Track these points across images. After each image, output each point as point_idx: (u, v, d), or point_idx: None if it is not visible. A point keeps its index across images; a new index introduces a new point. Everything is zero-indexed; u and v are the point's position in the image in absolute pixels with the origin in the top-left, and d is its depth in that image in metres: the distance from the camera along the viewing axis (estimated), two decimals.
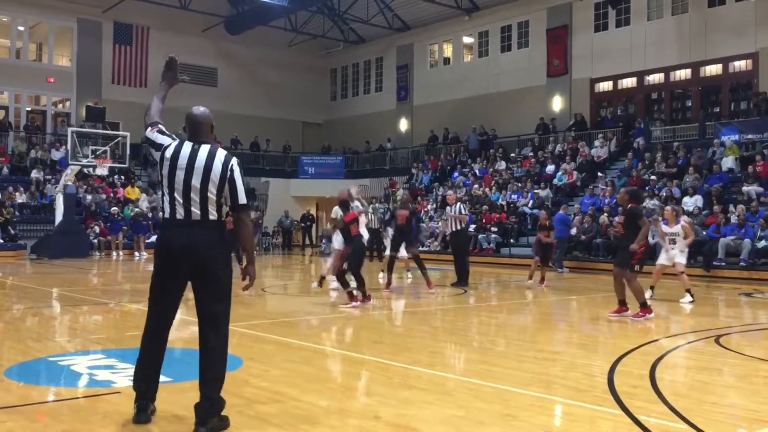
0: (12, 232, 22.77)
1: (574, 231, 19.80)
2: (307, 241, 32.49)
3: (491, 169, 26.83)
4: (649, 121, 24.75)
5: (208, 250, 4.22)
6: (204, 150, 4.28)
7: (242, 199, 4.27)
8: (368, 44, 35.60)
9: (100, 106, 29.89)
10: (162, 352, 4.45)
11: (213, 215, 4.24)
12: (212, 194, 4.21)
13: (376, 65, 36.05)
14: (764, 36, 22.28)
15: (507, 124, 28.69)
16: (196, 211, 4.21)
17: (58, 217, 22.39)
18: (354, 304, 9.99)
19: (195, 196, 4.22)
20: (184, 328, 8.47)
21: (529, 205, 22.99)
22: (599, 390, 5.30)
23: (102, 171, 23.92)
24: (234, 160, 4.31)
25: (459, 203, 14.69)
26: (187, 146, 4.30)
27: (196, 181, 4.21)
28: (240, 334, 7.76)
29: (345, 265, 10.35)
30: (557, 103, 27.72)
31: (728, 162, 20.31)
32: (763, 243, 16.35)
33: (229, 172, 4.23)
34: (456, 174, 28.10)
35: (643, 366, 6.13)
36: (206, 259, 4.22)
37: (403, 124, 34.03)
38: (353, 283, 10.31)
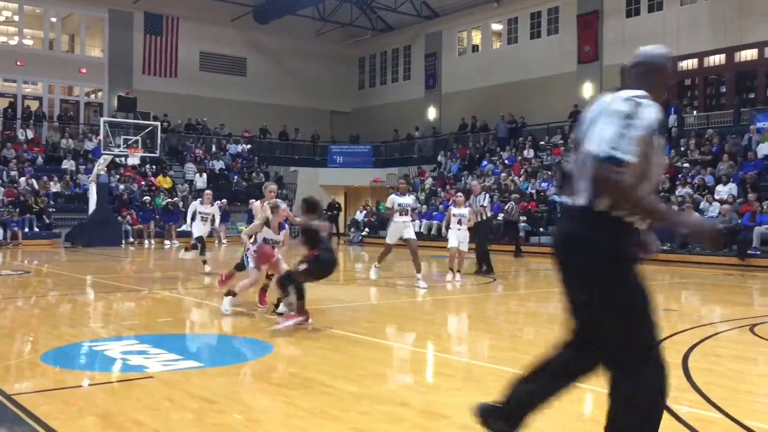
0: (47, 221, 23.19)
1: None
2: (334, 230, 32.57)
3: (520, 158, 26.61)
4: (682, 107, 24.30)
5: (567, 245, 3.01)
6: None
7: (592, 142, 2.81)
8: (396, 32, 35.45)
9: (132, 96, 30.26)
10: (556, 386, 3.15)
11: (583, 199, 2.90)
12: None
13: (404, 53, 35.90)
14: None
15: (536, 112, 28.40)
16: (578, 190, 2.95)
17: (92, 206, 22.73)
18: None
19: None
20: (214, 315, 8.55)
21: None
22: None
23: (134, 160, 24.21)
24: (624, 96, 2.94)
25: (485, 193, 14.57)
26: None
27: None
28: (270, 320, 7.82)
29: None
30: (588, 90, 27.35)
31: (764, 149, 19.88)
32: None
33: (606, 110, 2.88)
34: (485, 162, 27.92)
35: (675, 355, 6.05)
36: (563, 260, 3.02)
37: (432, 113, 33.89)
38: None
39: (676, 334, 7.17)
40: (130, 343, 6.51)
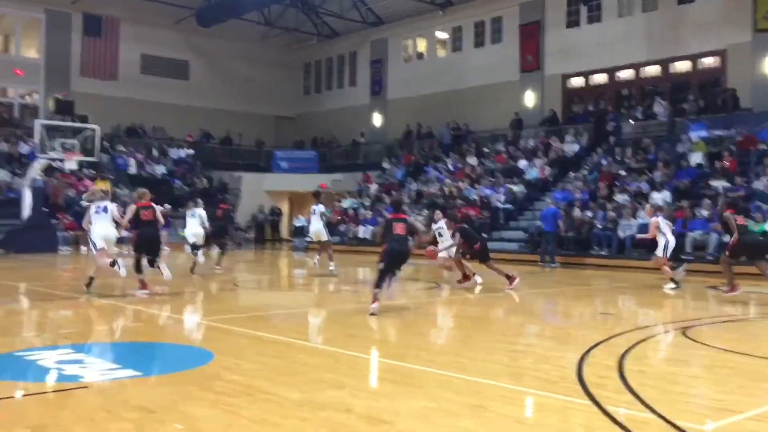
0: None
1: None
2: (276, 236, 32.72)
3: (463, 164, 26.91)
4: (620, 116, 24.99)
5: None
6: None
7: None
8: (342, 38, 35.48)
9: (69, 98, 29.43)
10: None
11: None
12: None
13: (350, 60, 35.93)
14: (732, 33, 22.60)
15: (480, 119, 28.79)
16: None
17: (26, 211, 22.02)
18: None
19: None
20: (154, 323, 8.40)
21: (502, 200, 23.13)
22: (569, 381, 5.36)
23: (71, 164, 23.56)
24: None
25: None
26: None
27: None
28: (211, 327, 7.72)
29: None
30: (530, 99, 27.88)
31: (696, 158, 20.61)
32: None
33: None
34: (429, 169, 28.16)
35: (611, 357, 6.22)
36: None
37: (377, 119, 34.00)
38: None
39: (612, 337, 7.36)
40: (65, 352, 6.33)
